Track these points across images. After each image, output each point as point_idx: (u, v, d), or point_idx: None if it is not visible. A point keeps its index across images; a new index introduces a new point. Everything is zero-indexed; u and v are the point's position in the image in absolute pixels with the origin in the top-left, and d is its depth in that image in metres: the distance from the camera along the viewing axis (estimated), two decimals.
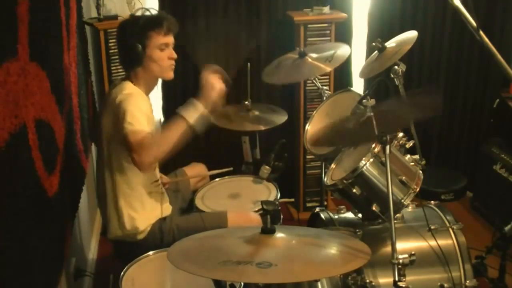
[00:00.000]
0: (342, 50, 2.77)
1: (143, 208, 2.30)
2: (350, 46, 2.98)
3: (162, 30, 2.22)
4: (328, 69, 2.72)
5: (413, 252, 1.74)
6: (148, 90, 2.31)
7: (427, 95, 1.89)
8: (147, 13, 2.30)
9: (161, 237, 2.31)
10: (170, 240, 2.27)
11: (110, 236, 2.34)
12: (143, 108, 2.17)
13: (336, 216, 2.37)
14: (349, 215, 2.35)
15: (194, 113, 2.12)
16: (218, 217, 2.38)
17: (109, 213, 2.30)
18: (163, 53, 2.24)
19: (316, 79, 2.97)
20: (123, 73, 2.44)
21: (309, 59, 2.75)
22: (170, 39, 2.26)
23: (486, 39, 1.84)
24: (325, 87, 2.93)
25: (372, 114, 1.94)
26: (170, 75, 2.31)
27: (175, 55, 2.28)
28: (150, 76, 2.28)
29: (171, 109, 3.58)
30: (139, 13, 2.32)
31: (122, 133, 2.09)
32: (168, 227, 2.33)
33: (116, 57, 3.13)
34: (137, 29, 2.20)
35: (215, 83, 2.17)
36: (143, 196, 2.30)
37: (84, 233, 2.88)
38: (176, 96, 3.58)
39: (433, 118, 3.79)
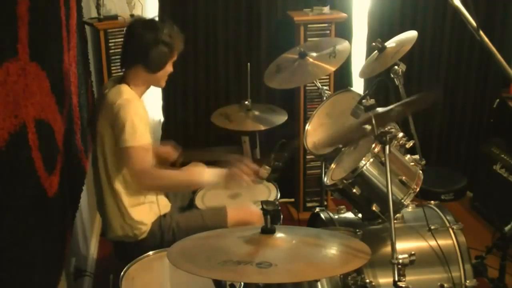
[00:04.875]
0: (342, 45, 2.76)
1: (144, 207, 2.30)
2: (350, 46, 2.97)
3: (180, 51, 2.31)
4: (332, 68, 2.71)
5: (413, 252, 1.73)
6: (143, 93, 2.34)
7: (427, 90, 1.89)
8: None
9: (161, 235, 2.31)
10: (170, 238, 2.27)
11: (110, 236, 2.33)
12: (142, 115, 2.20)
13: (336, 216, 2.37)
14: (349, 215, 2.35)
15: (211, 178, 2.26)
16: (217, 213, 2.39)
17: (110, 213, 2.29)
18: (170, 68, 2.32)
19: (316, 79, 2.97)
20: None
21: (310, 59, 2.75)
22: None
23: (486, 39, 1.84)
24: (325, 87, 2.93)
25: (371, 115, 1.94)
26: (163, 85, 2.39)
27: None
28: (149, 82, 2.32)
29: (171, 109, 3.60)
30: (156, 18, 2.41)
31: (122, 145, 2.13)
32: (168, 225, 2.33)
33: (117, 57, 3.13)
34: (169, 40, 2.24)
35: (241, 174, 2.28)
36: (144, 196, 2.30)
37: (84, 233, 2.88)
38: (176, 96, 3.58)
39: (433, 118, 3.81)
